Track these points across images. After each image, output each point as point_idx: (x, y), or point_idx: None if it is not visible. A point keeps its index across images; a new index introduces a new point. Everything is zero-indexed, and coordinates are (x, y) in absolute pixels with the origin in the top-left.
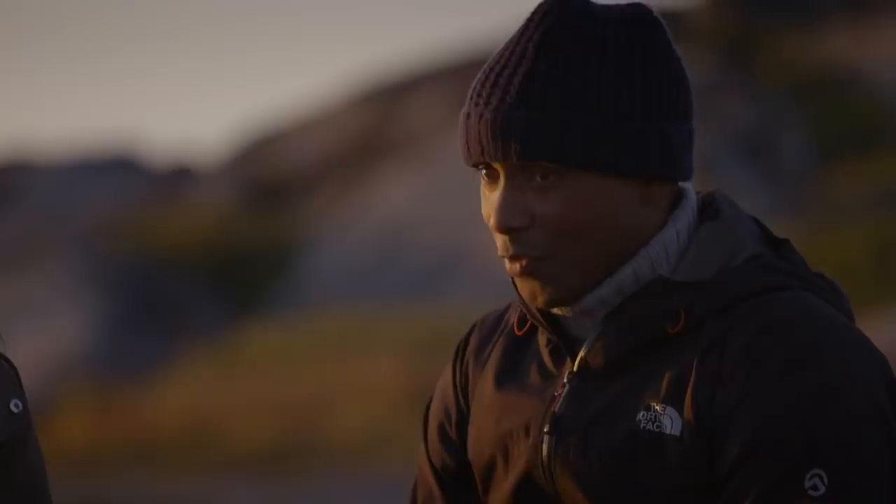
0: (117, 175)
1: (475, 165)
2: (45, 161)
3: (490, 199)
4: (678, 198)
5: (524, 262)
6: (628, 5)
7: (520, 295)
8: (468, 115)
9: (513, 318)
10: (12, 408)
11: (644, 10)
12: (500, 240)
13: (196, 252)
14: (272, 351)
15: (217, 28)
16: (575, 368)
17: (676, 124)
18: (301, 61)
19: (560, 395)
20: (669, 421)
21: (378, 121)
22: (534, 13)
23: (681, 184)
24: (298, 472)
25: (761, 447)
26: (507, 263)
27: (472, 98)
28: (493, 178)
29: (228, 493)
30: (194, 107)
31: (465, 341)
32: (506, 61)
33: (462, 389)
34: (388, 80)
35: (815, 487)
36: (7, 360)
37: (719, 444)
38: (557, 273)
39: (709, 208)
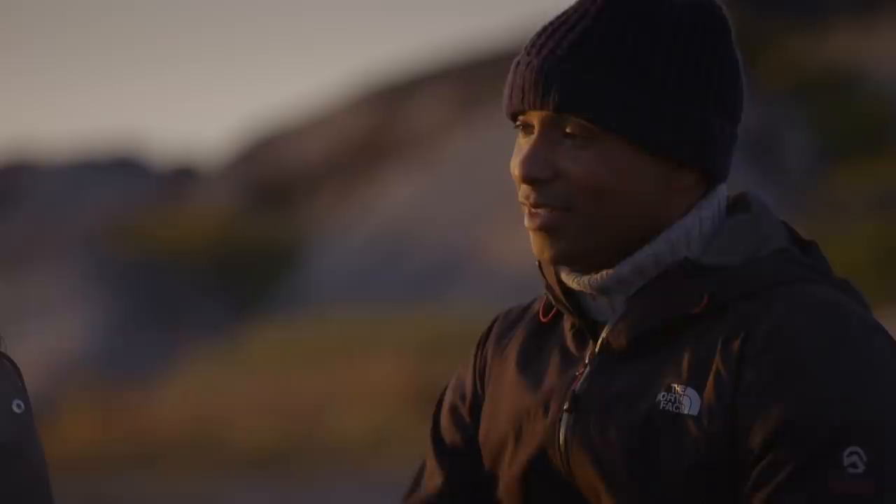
0: (120, 176)
1: (514, 117)
2: (47, 162)
3: (520, 150)
4: (707, 191)
5: (543, 213)
6: None
7: (546, 279)
8: (517, 63)
9: (537, 307)
10: (14, 408)
11: (715, 7)
12: (523, 189)
13: (199, 253)
14: (275, 352)
15: (220, 28)
16: (597, 349)
17: (720, 121)
18: (304, 62)
19: (581, 374)
20: (688, 401)
21: (381, 121)
22: None
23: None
24: (301, 473)
25: (796, 425)
26: (525, 215)
27: (526, 48)
28: (528, 132)
29: (231, 494)
30: (197, 107)
31: (488, 331)
32: (566, 18)
33: (479, 374)
34: (390, 80)
35: (853, 465)
36: (9, 360)
37: (747, 425)
38: (572, 228)
39: (739, 204)
